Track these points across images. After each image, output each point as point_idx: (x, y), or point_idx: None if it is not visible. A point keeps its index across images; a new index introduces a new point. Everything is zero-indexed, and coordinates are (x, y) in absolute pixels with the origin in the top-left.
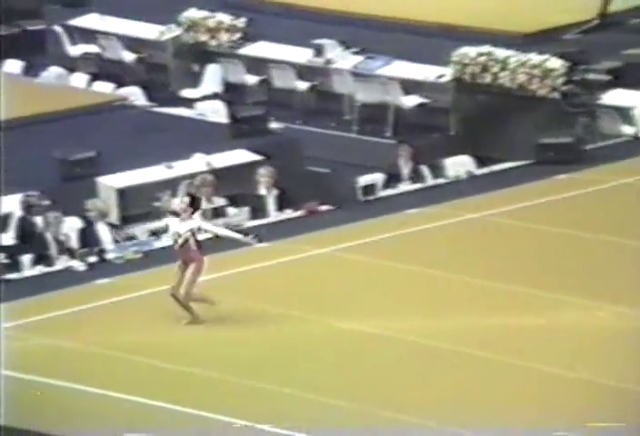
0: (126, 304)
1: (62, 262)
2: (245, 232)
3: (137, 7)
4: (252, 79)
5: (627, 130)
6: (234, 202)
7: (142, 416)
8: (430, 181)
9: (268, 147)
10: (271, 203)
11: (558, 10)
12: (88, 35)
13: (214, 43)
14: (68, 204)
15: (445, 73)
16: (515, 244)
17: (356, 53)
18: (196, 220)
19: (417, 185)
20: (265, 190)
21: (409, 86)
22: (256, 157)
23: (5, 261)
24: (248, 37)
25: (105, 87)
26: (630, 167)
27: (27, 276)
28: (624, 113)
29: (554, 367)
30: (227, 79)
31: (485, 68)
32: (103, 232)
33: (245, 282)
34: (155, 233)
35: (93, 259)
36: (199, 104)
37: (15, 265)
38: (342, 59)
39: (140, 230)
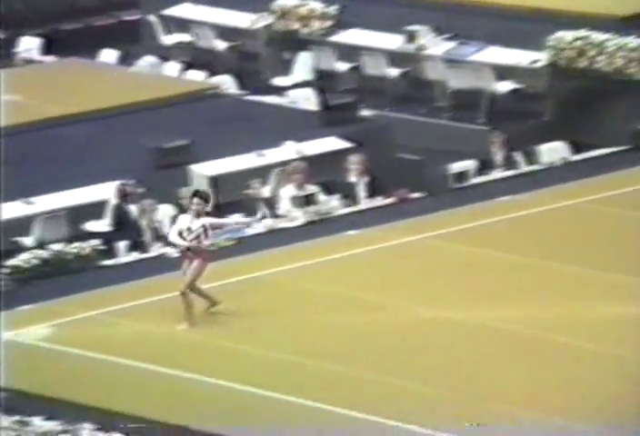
0: (219, 290)
1: (156, 249)
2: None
3: None
4: (343, 66)
5: None
6: (324, 189)
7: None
8: (523, 167)
9: (359, 134)
10: (361, 191)
11: None
12: (182, 25)
13: (305, 30)
14: (162, 192)
15: (540, 58)
16: (611, 232)
17: (449, 38)
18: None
19: (510, 172)
20: (356, 177)
21: (502, 72)
22: (347, 144)
23: (101, 247)
24: (340, 25)
25: (197, 76)
26: None
27: (122, 262)
28: None
29: None
30: (318, 67)
31: (581, 52)
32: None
33: (336, 269)
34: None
35: None
36: (290, 92)
37: (110, 251)
38: (434, 45)
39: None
